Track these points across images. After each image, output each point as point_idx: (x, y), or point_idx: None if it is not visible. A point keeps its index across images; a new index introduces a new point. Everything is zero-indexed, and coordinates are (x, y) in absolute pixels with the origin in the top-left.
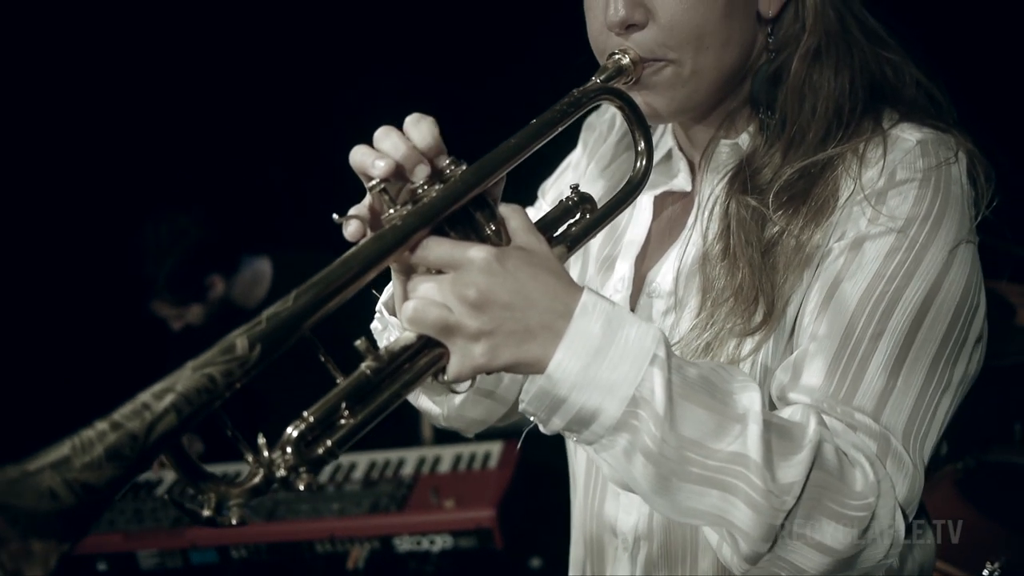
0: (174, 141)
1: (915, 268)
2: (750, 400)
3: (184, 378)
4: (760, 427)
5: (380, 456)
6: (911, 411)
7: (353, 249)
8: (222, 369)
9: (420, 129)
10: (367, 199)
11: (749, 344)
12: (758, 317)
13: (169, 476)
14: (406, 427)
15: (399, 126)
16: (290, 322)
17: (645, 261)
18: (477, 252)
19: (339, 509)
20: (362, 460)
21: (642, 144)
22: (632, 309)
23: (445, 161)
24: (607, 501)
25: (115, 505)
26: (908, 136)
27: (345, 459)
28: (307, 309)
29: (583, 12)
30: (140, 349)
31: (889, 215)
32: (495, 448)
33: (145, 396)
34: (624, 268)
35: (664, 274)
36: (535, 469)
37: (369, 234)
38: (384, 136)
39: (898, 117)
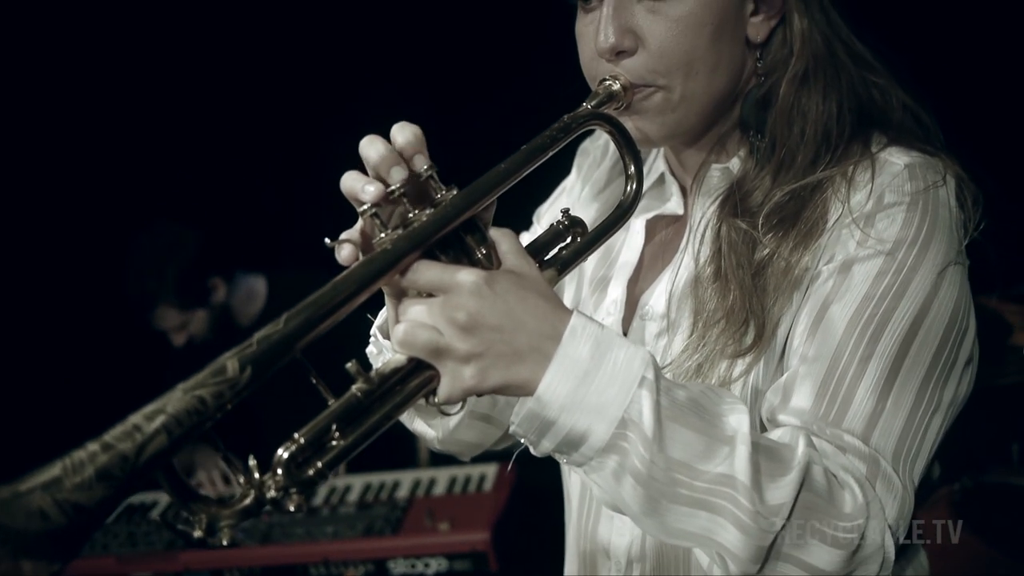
0: (173, 160)
1: (903, 290)
2: (738, 422)
3: (175, 400)
4: (748, 448)
5: (375, 478)
6: (900, 432)
7: (344, 272)
8: (213, 391)
9: (404, 131)
10: (359, 223)
11: (740, 366)
12: (748, 339)
13: (163, 498)
14: (402, 449)
15: None
16: (281, 344)
17: (638, 284)
18: (466, 275)
19: (333, 532)
20: (357, 482)
21: (632, 168)
22: (625, 332)
23: (424, 165)
24: (601, 523)
25: (108, 528)
26: (896, 160)
27: (340, 481)
28: (298, 332)
29: (575, 39)
30: (139, 368)
31: (877, 238)
32: (490, 471)
33: (136, 418)
34: (617, 291)
35: (657, 297)
36: (530, 492)
37: (361, 258)
38: (369, 144)
39: (886, 141)
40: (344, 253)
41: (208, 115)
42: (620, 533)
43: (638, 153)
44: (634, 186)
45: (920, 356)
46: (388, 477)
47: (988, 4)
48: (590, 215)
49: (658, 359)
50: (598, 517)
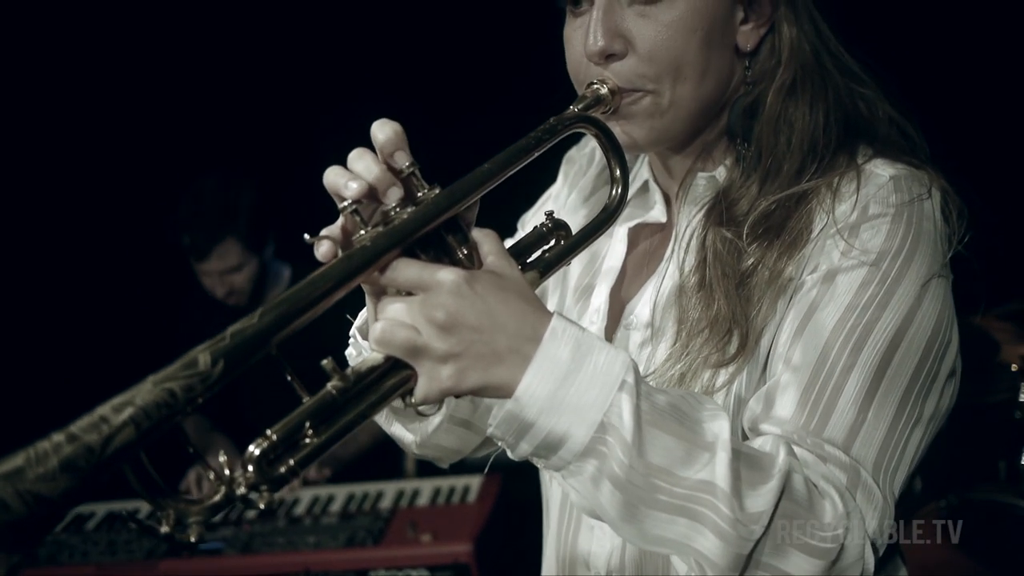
0: (184, 162)
1: (887, 301)
2: (719, 428)
3: (144, 392)
4: (729, 455)
5: (359, 489)
6: (882, 444)
7: (321, 269)
8: (183, 384)
9: (384, 128)
10: (340, 220)
11: (723, 375)
12: (732, 348)
13: (146, 506)
14: (388, 460)
15: None
16: (254, 339)
17: (621, 292)
18: (446, 274)
19: (315, 542)
20: (340, 493)
21: (617, 172)
22: (609, 341)
23: (405, 162)
24: (581, 533)
25: (88, 536)
26: (881, 171)
27: (323, 491)
28: (272, 327)
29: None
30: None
31: (861, 248)
32: (474, 482)
33: (103, 409)
34: (600, 299)
35: (642, 306)
36: (514, 504)
37: (340, 255)
38: (358, 157)
39: (872, 153)
40: (323, 249)
41: (206, 114)
42: (600, 543)
43: (624, 157)
44: (619, 190)
45: (902, 367)
46: (372, 487)
47: (976, 17)
48: (576, 222)
49: (641, 368)
50: (578, 526)
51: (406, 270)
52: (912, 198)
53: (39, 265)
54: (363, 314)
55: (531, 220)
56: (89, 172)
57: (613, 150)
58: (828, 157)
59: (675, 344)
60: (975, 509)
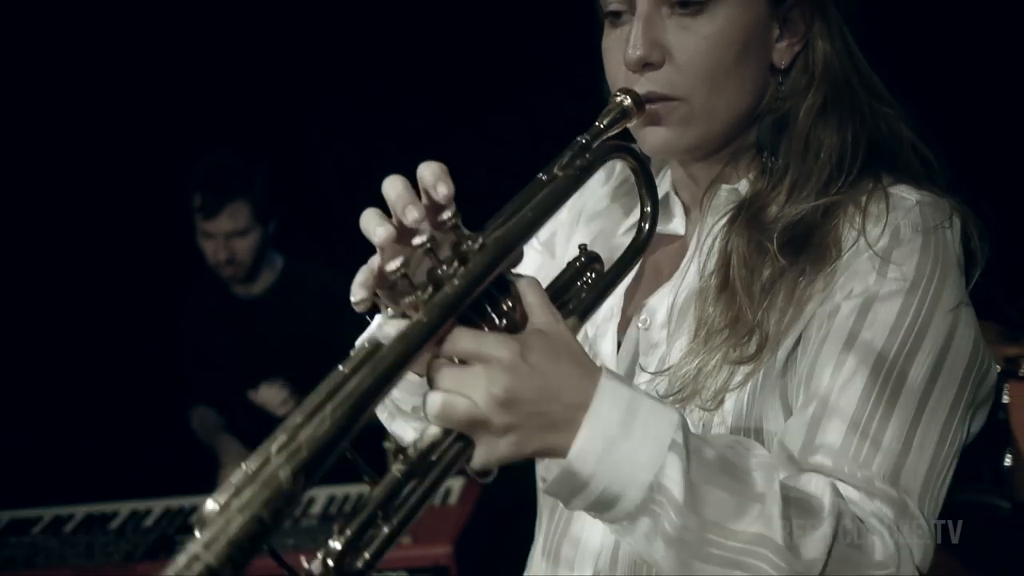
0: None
1: (926, 329)
2: (769, 477)
3: (234, 523)
4: (780, 505)
5: (340, 491)
6: (926, 474)
7: (380, 354)
8: (270, 509)
9: (430, 166)
10: (371, 261)
11: (739, 375)
12: (751, 348)
13: (124, 509)
14: (372, 462)
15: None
16: (329, 443)
17: (636, 297)
18: (503, 350)
19: (294, 544)
20: (321, 495)
21: (648, 207)
22: (620, 343)
23: (443, 191)
24: (571, 528)
25: (66, 540)
26: (908, 196)
27: (305, 494)
28: (344, 426)
29: (580, 52)
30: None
31: (897, 276)
32: (455, 484)
33: (195, 547)
34: (613, 299)
35: (657, 308)
36: (495, 507)
37: (377, 294)
38: (389, 183)
39: (894, 179)
40: (359, 302)
41: (209, 109)
42: (591, 533)
43: (656, 192)
44: (648, 225)
45: (944, 395)
46: (353, 489)
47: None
48: (591, 231)
49: (652, 369)
50: (569, 522)
51: (462, 342)
52: (936, 224)
53: (40, 260)
54: (378, 319)
55: (545, 229)
56: (89, 167)
57: (647, 184)
58: (854, 174)
59: (693, 341)
60: (959, 511)
